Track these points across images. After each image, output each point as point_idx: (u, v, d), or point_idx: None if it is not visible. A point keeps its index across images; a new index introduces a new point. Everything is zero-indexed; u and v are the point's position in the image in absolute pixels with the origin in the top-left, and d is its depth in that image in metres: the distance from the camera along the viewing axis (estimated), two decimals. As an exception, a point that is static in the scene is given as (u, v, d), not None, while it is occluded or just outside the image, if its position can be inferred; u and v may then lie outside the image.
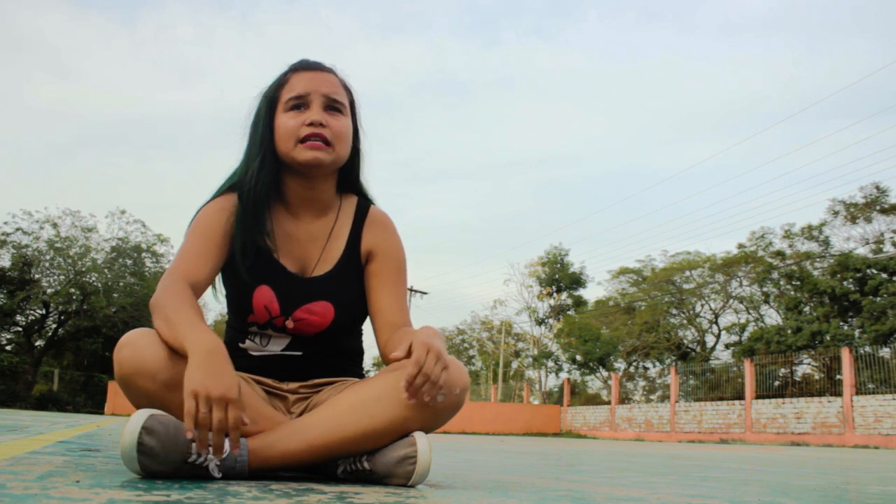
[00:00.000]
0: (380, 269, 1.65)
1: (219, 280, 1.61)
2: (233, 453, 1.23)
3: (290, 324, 1.56)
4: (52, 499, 0.93)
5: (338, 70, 1.65)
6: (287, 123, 1.55)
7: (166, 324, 1.32)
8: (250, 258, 1.55)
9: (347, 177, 1.70)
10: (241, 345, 1.60)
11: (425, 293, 37.06)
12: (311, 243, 1.62)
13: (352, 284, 1.63)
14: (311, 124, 1.53)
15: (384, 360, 1.57)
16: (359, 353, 1.72)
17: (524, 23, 56.60)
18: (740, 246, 29.52)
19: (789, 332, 24.37)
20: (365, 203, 1.71)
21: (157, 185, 57.35)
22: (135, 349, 1.30)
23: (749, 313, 30.60)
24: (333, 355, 1.63)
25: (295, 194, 1.61)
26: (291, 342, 1.59)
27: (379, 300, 1.62)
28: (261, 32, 59.06)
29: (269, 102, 1.59)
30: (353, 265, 1.64)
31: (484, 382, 36.86)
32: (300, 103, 1.56)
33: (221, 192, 1.61)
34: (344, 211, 1.67)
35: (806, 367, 24.93)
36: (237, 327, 1.61)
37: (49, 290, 27.14)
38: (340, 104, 1.59)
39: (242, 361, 1.57)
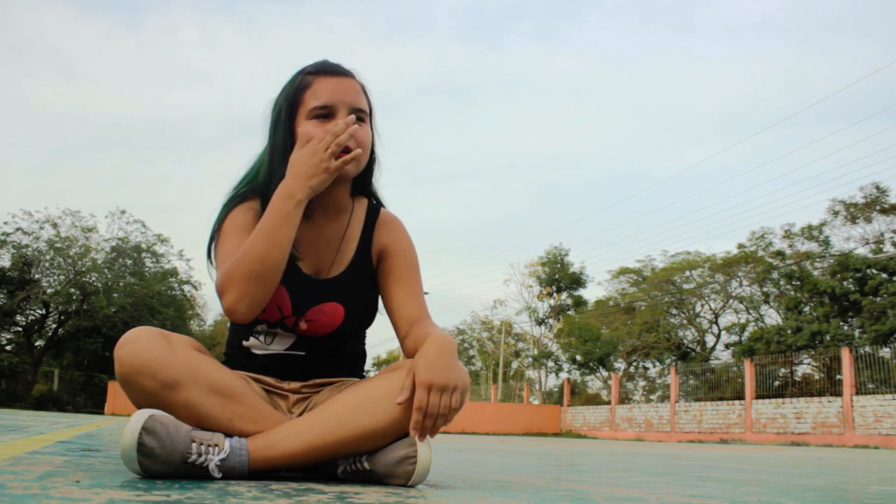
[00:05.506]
0: (392, 266, 1.66)
1: None
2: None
3: (303, 325, 1.56)
4: (52, 499, 0.93)
5: (357, 74, 1.62)
6: (312, 133, 1.51)
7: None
8: None
9: (361, 180, 1.69)
10: (244, 342, 1.59)
11: (425, 293, 36.96)
12: (325, 246, 1.62)
13: (363, 286, 1.64)
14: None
15: (406, 354, 1.57)
16: (361, 355, 1.72)
17: (525, 26, 56.64)
18: (740, 246, 29.54)
19: (789, 332, 24.36)
20: (375, 205, 1.72)
21: (158, 185, 57.36)
22: (135, 347, 1.30)
23: (749, 313, 30.59)
24: (337, 356, 1.63)
25: (312, 199, 1.60)
26: (296, 342, 1.58)
27: (394, 295, 1.64)
28: (264, 36, 59.13)
29: (291, 105, 1.56)
30: (365, 267, 1.65)
31: (484, 382, 36.85)
32: (325, 113, 1.53)
33: (241, 196, 1.59)
34: (356, 213, 1.68)
35: (806, 367, 24.92)
36: (243, 325, 1.59)
37: (49, 290, 27.13)
38: (363, 113, 1.57)
39: (244, 360, 1.57)
